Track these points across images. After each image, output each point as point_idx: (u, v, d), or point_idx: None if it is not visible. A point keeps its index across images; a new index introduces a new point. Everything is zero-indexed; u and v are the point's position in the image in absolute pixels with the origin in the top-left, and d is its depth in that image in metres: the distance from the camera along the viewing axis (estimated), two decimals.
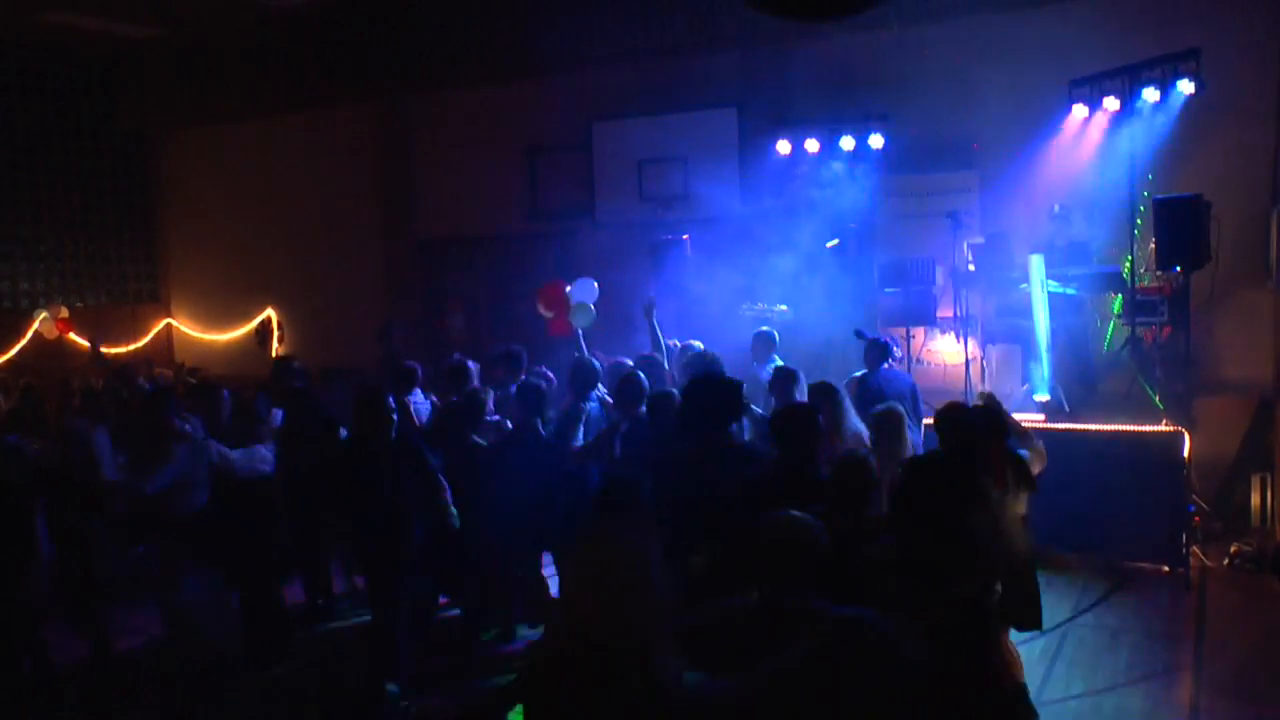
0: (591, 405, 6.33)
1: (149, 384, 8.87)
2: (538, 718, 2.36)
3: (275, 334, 13.70)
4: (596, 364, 6.57)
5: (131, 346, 14.13)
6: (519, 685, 2.48)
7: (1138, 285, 8.01)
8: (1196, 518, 7.30)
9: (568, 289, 8.64)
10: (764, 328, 7.95)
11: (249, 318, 13.87)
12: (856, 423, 5.58)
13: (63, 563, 5.89)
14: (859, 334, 7.49)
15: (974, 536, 3.04)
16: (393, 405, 5.37)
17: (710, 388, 4.86)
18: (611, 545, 2.33)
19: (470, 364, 7.19)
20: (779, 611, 2.71)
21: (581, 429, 6.20)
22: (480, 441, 6.31)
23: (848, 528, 3.54)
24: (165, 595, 6.06)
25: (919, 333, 9.11)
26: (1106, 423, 7.32)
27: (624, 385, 5.97)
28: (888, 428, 5.09)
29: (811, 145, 9.77)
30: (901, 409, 5.29)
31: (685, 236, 9.83)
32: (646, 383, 5.99)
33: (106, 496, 6.07)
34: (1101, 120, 8.29)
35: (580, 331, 8.17)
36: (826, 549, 2.75)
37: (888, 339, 7.25)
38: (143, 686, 5.98)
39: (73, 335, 13.14)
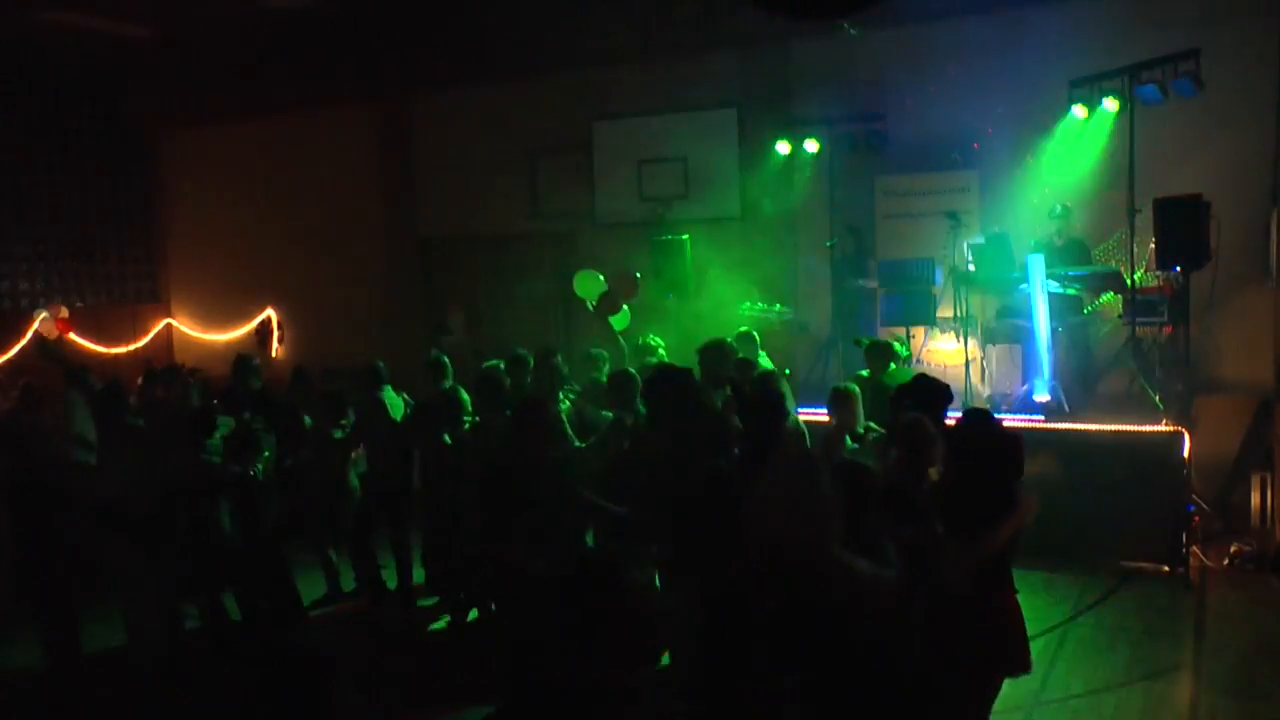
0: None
1: (102, 381, 8.85)
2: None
3: (275, 334, 13.70)
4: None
5: (131, 346, 14.13)
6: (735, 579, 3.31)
7: (1138, 285, 8.01)
8: (1196, 518, 7.29)
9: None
10: (743, 328, 7.91)
11: (249, 318, 13.87)
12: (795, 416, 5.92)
13: (27, 563, 5.87)
14: (857, 341, 7.50)
15: (1014, 497, 3.77)
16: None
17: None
18: (796, 468, 3.35)
19: (445, 359, 7.25)
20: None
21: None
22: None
23: (911, 481, 4.06)
24: (126, 596, 6.06)
25: (919, 333, 9.10)
26: (1106, 423, 7.32)
27: (616, 381, 6.10)
28: (839, 402, 5.77)
29: (811, 145, 9.77)
30: (854, 389, 5.83)
31: (685, 237, 9.82)
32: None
33: (71, 489, 6.04)
34: (1101, 120, 8.29)
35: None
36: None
37: (890, 340, 7.25)
38: (110, 688, 5.93)
39: (72, 335, 13.16)
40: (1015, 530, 3.75)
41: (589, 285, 8.09)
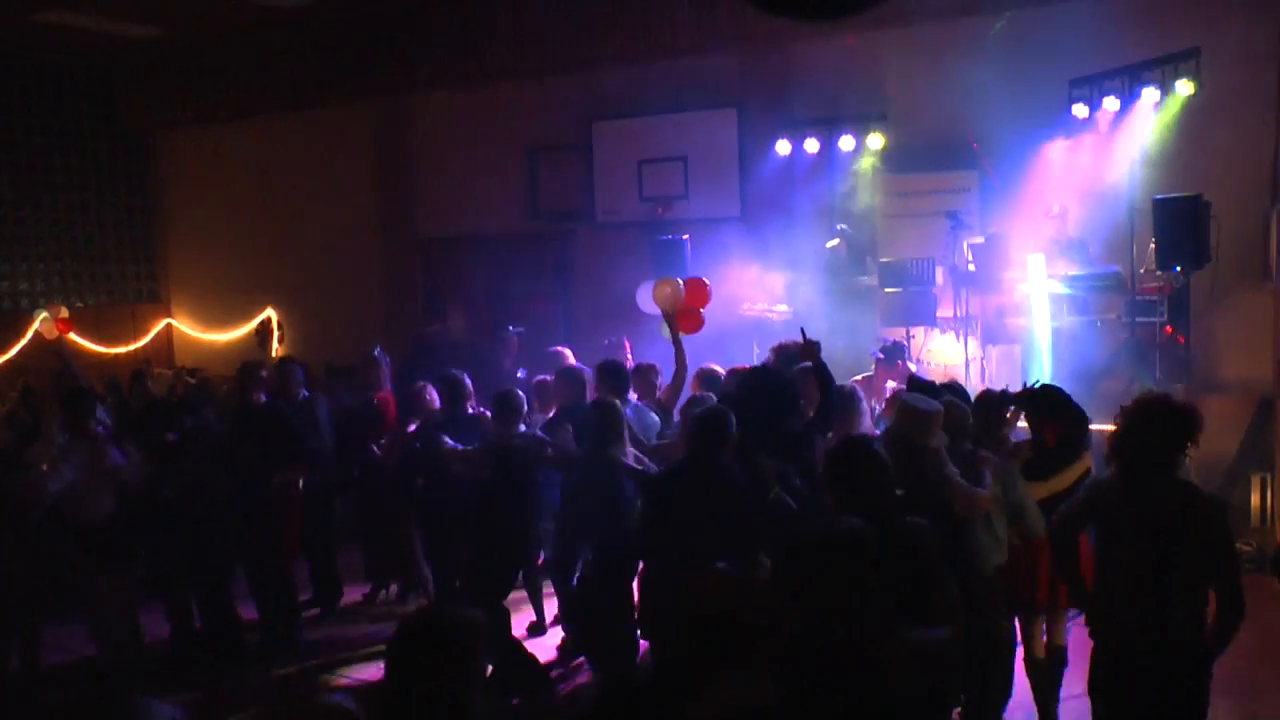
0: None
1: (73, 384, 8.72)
2: None
3: (275, 334, 13.69)
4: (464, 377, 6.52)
5: (131, 346, 14.12)
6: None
7: (1138, 285, 8.01)
8: None
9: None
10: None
11: (249, 318, 13.87)
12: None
13: None
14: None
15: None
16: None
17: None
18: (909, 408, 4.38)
19: (383, 356, 7.23)
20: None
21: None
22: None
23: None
24: (86, 607, 5.98)
25: (919, 333, 9.11)
26: (1106, 423, 7.30)
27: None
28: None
29: (811, 145, 9.77)
30: (854, 389, 5.87)
31: (685, 237, 9.81)
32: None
33: (28, 496, 5.91)
34: (1101, 120, 8.29)
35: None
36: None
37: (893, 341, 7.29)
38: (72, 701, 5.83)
39: (72, 335, 13.14)
40: (1081, 475, 4.77)
41: (667, 294, 7.59)
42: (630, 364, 7.02)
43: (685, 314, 7.56)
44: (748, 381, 5.30)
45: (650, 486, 4.87)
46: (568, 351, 7.49)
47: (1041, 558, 4.66)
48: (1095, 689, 3.74)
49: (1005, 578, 4.57)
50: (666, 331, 7.33)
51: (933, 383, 5.56)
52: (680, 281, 7.67)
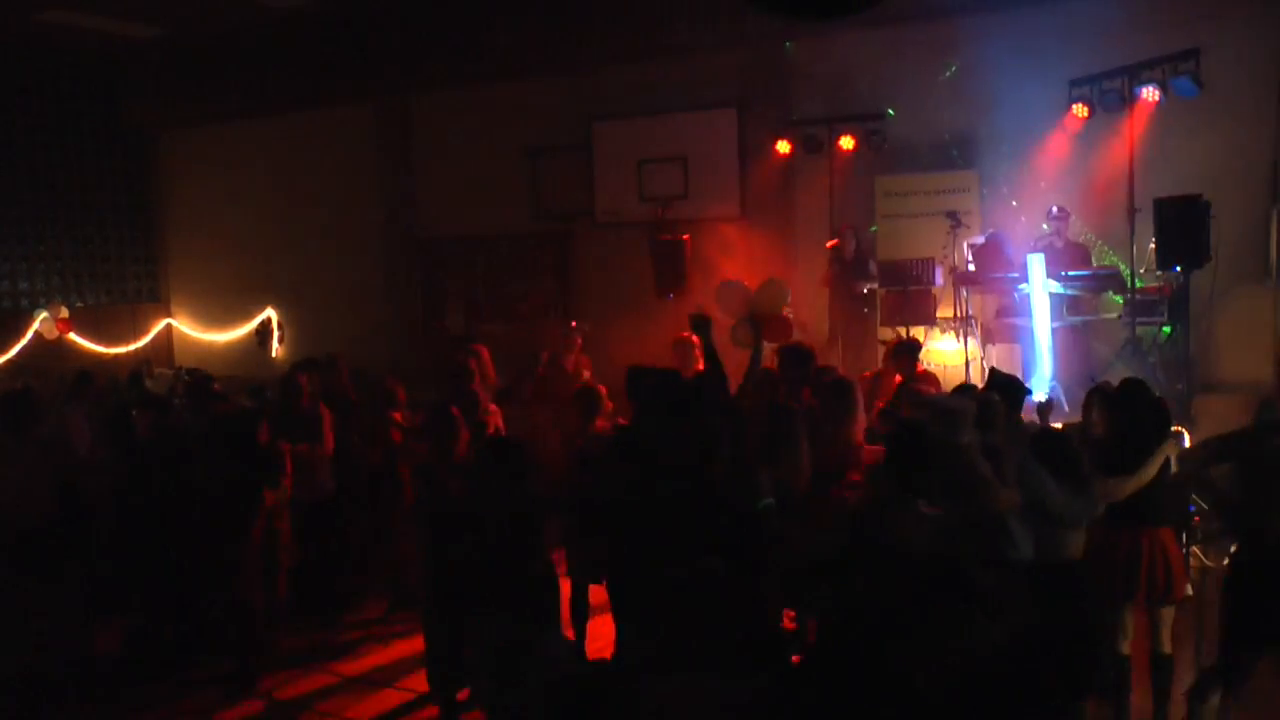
0: None
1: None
2: None
3: (275, 334, 13.70)
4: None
5: (131, 346, 14.13)
6: None
7: (1138, 285, 8.01)
8: (1196, 518, 7.27)
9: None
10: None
11: (249, 318, 13.88)
12: None
13: None
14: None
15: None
16: None
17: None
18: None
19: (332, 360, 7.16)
20: None
21: None
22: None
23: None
24: (24, 617, 5.74)
25: (919, 333, 9.10)
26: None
27: None
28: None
29: (811, 145, 9.77)
30: (851, 381, 5.65)
31: (685, 237, 9.82)
32: None
33: None
34: (1101, 120, 8.29)
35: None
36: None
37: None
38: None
39: (72, 335, 13.15)
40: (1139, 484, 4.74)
41: (773, 296, 7.13)
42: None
43: (775, 322, 7.10)
44: (649, 389, 4.85)
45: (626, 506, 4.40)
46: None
47: (1143, 549, 4.88)
48: (1228, 585, 4.75)
49: (1100, 569, 4.83)
50: (743, 336, 6.99)
51: (1014, 378, 5.56)
52: (785, 287, 7.31)
